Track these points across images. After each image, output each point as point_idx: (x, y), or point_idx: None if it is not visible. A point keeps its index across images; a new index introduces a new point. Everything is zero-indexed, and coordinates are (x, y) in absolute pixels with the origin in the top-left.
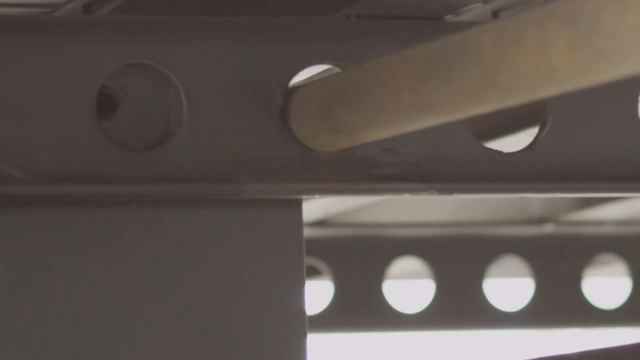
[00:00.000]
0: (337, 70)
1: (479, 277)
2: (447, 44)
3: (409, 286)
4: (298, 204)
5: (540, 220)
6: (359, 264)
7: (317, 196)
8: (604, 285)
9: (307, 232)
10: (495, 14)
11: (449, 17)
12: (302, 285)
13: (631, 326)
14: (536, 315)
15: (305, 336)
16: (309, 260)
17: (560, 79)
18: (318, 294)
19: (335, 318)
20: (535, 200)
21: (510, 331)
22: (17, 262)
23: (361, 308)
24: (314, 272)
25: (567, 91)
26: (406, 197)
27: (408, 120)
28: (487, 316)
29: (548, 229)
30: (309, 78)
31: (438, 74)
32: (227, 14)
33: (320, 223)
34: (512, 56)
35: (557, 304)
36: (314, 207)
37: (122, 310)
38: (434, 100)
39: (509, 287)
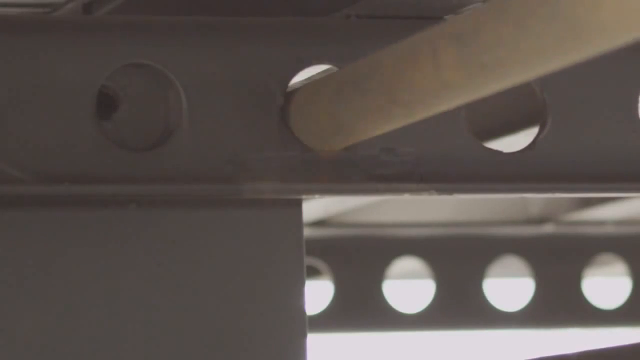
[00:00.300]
0: (337, 70)
1: (479, 277)
2: (355, 67)
3: (409, 286)
4: (298, 204)
5: (540, 220)
6: (359, 264)
7: (317, 196)
8: (604, 285)
9: (307, 232)
10: None
11: (449, 17)
12: (302, 285)
13: (631, 326)
14: (536, 315)
15: (305, 336)
16: (309, 260)
17: (453, 93)
18: (318, 294)
19: (335, 318)
20: (535, 200)
21: (510, 331)
22: (17, 262)
23: (361, 308)
24: (314, 272)
25: (458, 103)
26: (406, 197)
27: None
28: (487, 316)
29: (548, 229)
30: (309, 78)
31: (349, 96)
32: (227, 14)
33: (320, 223)
34: (410, 75)
35: (557, 304)
36: (314, 207)
37: (121, 310)
38: (345, 120)
39: (509, 287)
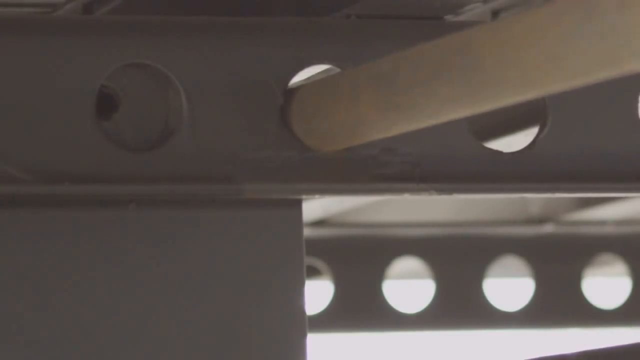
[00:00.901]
0: (337, 70)
1: (479, 277)
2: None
3: (409, 286)
4: (298, 204)
5: (540, 220)
6: (359, 264)
7: (317, 196)
8: (604, 285)
9: (307, 232)
10: (495, 13)
11: (449, 17)
12: (302, 285)
13: (631, 326)
14: (536, 315)
15: (305, 336)
16: (309, 260)
17: (368, 128)
18: (318, 294)
19: (335, 318)
20: (535, 200)
21: (510, 331)
22: (17, 263)
23: (361, 308)
24: (314, 272)
25: (373, 138)
26: (406, 197)
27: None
28: (487, 316)
29: (548, 229)
30: (309, 78)
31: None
32: (228, 14)
33: (320, 223)
34: (329, 108)
35: (557, 304)
36: (314, 207)
37: (121, 310)
38: (344, 122)
39: (509, 287)
